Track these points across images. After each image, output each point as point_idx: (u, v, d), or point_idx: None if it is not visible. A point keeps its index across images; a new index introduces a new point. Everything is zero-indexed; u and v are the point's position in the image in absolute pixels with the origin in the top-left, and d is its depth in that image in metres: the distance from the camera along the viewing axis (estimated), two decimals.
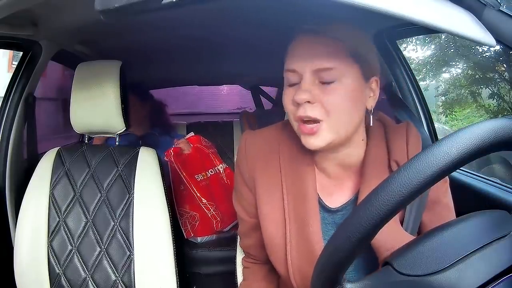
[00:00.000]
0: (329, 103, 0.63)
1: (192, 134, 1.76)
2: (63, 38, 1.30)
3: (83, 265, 1.05)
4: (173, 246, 1.05)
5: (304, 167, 0.73)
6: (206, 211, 1.58)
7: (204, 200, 1.58)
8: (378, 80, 0.70)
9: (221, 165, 1.73)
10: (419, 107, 1.28)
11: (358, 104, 0.66)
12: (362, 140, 0.72)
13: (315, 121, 0.64)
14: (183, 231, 1.60)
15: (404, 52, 1.57)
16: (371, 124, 0.71)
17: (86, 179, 1.09)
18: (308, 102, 0.64)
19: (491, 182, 1.10)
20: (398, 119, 1.12)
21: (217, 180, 1.68)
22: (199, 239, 1.60)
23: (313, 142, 0.65)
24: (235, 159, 1.90)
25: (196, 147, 1.70)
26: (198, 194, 1.58)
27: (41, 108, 1.62)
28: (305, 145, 0.66)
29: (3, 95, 1.26)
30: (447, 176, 0.66)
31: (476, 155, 0.40)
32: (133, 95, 1.73)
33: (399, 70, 1.27)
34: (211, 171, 1.68)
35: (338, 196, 0.74)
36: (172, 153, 1.60)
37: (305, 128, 0.65)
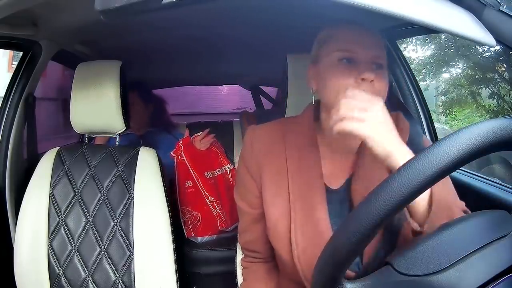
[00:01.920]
0: (380, 85, 0.70)
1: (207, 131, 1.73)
2: (63, 38, 1.30)
3: (83, 265, 1.05)
4: (173, 246, 1.05)
5: (308, 150, 0.77)
6: (212, 209, 1.58)
7: (211, 198, 1.58)
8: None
9: (228, 165, 1.72)
10: (419, 107, 1.28)
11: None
12: None
13: None
14: (184, 229, 1.60)
15: (404, 52, 1.57)
16: None
17: (86, 179, 1.09)
18: (373, 80, 0.69)
19: (491, 182, 1.10)
20: None
21: (223, 180, 1.68)
22: (199, 239, 1.60)
23: None
24: (235, 159, 1.91)
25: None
26: (205, 192, 1.58)
27: (41, 108, 1.61)
28: None
29: (3, 95, 1.26)
30: None
31: (476, 155, 0.40)
32: (137, 97, 1.73)
33: (399, 70, 1.27)
34: (218, 171, 1.68)
35: (337, 177, 0.77)
36: (182, 146, 1.58)
37: None
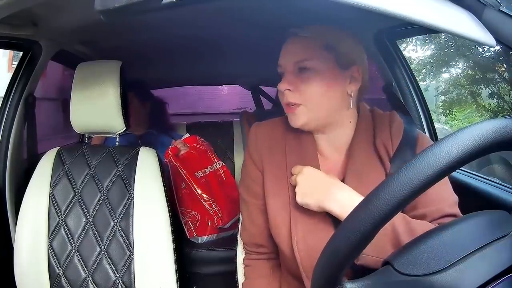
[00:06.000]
0: (306, 90, 0.75)
1: (187, 135, 1.77)
2: (63, 38, 1.30)
3: (83, 265, 1.05)
4: (173, 246, 1.05)
5: (306, 147, 0.81)
6: (208, 207, 1.58)
7: (205, 197, 1.59)
8: (360, 68, 0.77)
9: (218, 162, 1.74)
10: (419, 107, 1.28)
11: (334, 89, 0.76)
12: (350, 122, 0.80)
13: (296, 105, 0.76)
14: (185, 231, 1.60)
15: (404, 52, 1.57)
16: (350, 107, 0.79)
17: (86, 179, 1.09)
18: (289, 90, 0.76)
19: (491, 182, 1.10)
20: None
21: (215, 177, 1.68)
22: (199, 239, 1.60)
23: (292, 119, 0.78)
24: (235, 159, 1.90)
25: (193, 146, 1.70)
26: (199, 191, 1.59)
27: (41, 108, 1.61)
28: (290, 123, 0.78)
29: (3, 95, 1.26)
30: None
31: (476, 155, 0.40)
32: (134, 96, 1.73)
33: (399, 70, 1.27)
34: (209, 168, 1.69)
35: (333, 174, 0.79)
36: (171, 154, 1.60)
37: (287, 108, 0.78)
